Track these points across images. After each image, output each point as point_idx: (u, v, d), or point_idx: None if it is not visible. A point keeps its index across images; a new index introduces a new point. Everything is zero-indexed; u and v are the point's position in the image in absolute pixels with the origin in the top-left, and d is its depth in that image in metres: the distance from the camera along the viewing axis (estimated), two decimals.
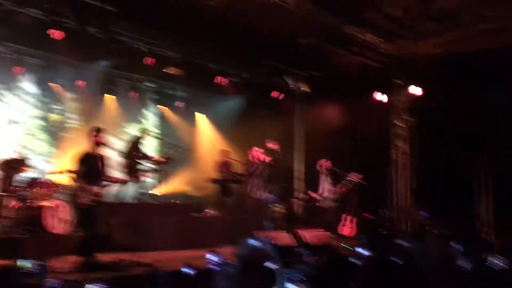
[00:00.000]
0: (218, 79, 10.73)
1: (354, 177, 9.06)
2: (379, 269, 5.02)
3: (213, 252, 4.71)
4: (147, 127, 11.40)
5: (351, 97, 10.35)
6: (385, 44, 9.57)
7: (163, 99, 12.55)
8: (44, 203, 7.55)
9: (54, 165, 9.91)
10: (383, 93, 10.40)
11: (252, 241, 3.88)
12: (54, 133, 10.56)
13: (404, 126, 10.51)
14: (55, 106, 10.59)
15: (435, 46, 9.33)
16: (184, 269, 4.71)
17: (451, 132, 9.51)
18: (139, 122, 12.12)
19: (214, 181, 10.29)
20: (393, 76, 10.38)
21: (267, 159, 8.16)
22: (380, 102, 10.47)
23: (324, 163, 9.29)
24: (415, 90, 10.05)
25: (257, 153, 8.22)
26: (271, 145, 8.24)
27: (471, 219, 9.79)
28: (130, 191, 9.42)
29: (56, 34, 8.23)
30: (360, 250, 5.70)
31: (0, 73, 9.38)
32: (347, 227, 9.42)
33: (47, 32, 8.21)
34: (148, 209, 8.72)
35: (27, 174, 8.15)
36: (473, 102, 9.46)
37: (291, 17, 8.17)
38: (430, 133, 9.89)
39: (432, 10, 8.19)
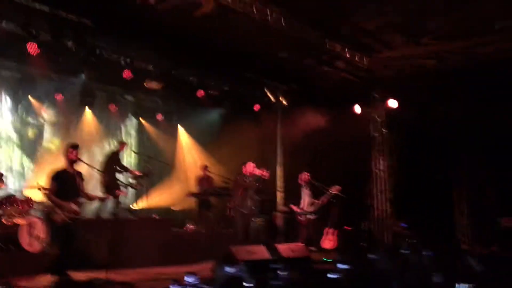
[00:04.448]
0: (200, 92, 10.67)
1: (333, 189, 9.11)
2: (356, 283, 5.05)
3: (190, 273, 4.65)
4: (126, 140, 11.25)
5: (330, 110, 10.43)
6: (362, 58, 9.69)
7: (143, 112, 12.42)
8: (20, 221, 7.38)
9: (30, 181, 9.69)
10: (361, 106, 10.51)
11: (227, 269, 3.87)
12: (31, 148, 10.33)
13: (383, 138, 10.62)
14: (31, 121, 10.37)
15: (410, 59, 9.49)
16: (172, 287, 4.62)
17: (429, 143, 9.66)
18: (118, 135, 11.96)
19: (194, 195, 10.22)
20: (371, 89, 10.50)
21: (258, 172, 8.31)
22: (359, 115, 10.58)
23: (303, 176, 9.33)
24: (393, 103, 10.18)
25: (251, 167, 8.39)
26: (260, 171, 8.39)
27: (450, 229, 9.94)
28: (108, 206, 9.27)
29: (32, 48, 8.07)
30: (338, 263, 5.73)
31: None
32: (329, 240, 9.46)
33: (24, 45, 8.08)
34: (127, 225, 8.58)
35: (2, 191, 7.99)
36: (449, 114, 9.66)
37: (270, 31, 8.24)
38: (408, 145, 10.03)
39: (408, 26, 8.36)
